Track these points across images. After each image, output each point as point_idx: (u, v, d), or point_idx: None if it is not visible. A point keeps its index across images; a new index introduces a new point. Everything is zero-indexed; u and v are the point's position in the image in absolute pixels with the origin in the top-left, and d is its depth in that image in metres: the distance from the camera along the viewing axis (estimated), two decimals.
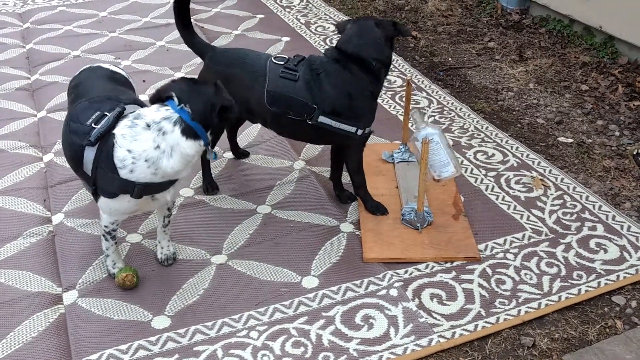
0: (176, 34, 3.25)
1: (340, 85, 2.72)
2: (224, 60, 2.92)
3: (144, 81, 4.15)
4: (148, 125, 2.32)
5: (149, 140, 2.31)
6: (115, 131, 2.34)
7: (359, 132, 2.78)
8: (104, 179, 2.37)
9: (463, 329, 2.45)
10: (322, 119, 2.72)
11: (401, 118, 3.74)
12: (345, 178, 3.14)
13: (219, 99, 2.39)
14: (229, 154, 3.48)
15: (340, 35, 2.85)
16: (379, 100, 2.88)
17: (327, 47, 2.82)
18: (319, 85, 2.72)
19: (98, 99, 2.51)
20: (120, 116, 2.38)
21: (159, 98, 2.40)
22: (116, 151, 2.32)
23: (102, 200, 2.44)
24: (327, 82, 2.72)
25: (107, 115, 2.38)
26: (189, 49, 3.08)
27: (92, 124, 2.38)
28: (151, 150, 2.31)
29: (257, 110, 2.87)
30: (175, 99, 2.35)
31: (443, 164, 2.76)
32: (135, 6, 5.46)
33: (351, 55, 2.74)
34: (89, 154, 2.37)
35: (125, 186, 2.34)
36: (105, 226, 2.54)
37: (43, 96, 4.04)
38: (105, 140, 2.34)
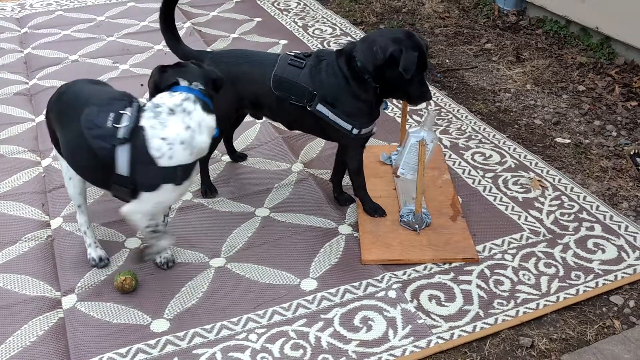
0: None
1: (332, 74, 2.79)
2: (229, 60, 2.94)
3: (142, 85, 4.15)
4: (172, 110, 2.35)
5: (178, 124, 2.34)
6: (142, 124, 2.34)
7: (355, 131, 2.80)
8: (144, 173, 2.34)
9: (462, 330, 2.46)
10: (320, 107, 2.78)
11: (399, 120, 3.75)
12: (344, 180, 3.14)
13: (210, 72, 2.54)
14: (227, 157, 3.49)
15: None
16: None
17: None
18: (318, 72, 2.81)
19: (103, 102, 2.45)
20: (139, 110, 2.38)
21: (160, 89, 2.45)
22: (151, 142, 2.31)
23: (145, 198, 2.37)
24: (325, 70, 2.80)
25: (123, 113, 2.36)
26: None
27: (114, 125, 2.34)
28: (183, 132, 2.34)
29: (263, 100, 2.92)
30: (185, 82, 2.43)
31: (414, 169, 2.90)
32: (133, 10, 5.47)
33: (348, 51, 2.79)
34: (123, 153, 2.33)
35: (167, 174, 2.34)
36: (146, 227, 2.46)
37: (41, 101, 4.03)
38: (135, 136, 2.32)
